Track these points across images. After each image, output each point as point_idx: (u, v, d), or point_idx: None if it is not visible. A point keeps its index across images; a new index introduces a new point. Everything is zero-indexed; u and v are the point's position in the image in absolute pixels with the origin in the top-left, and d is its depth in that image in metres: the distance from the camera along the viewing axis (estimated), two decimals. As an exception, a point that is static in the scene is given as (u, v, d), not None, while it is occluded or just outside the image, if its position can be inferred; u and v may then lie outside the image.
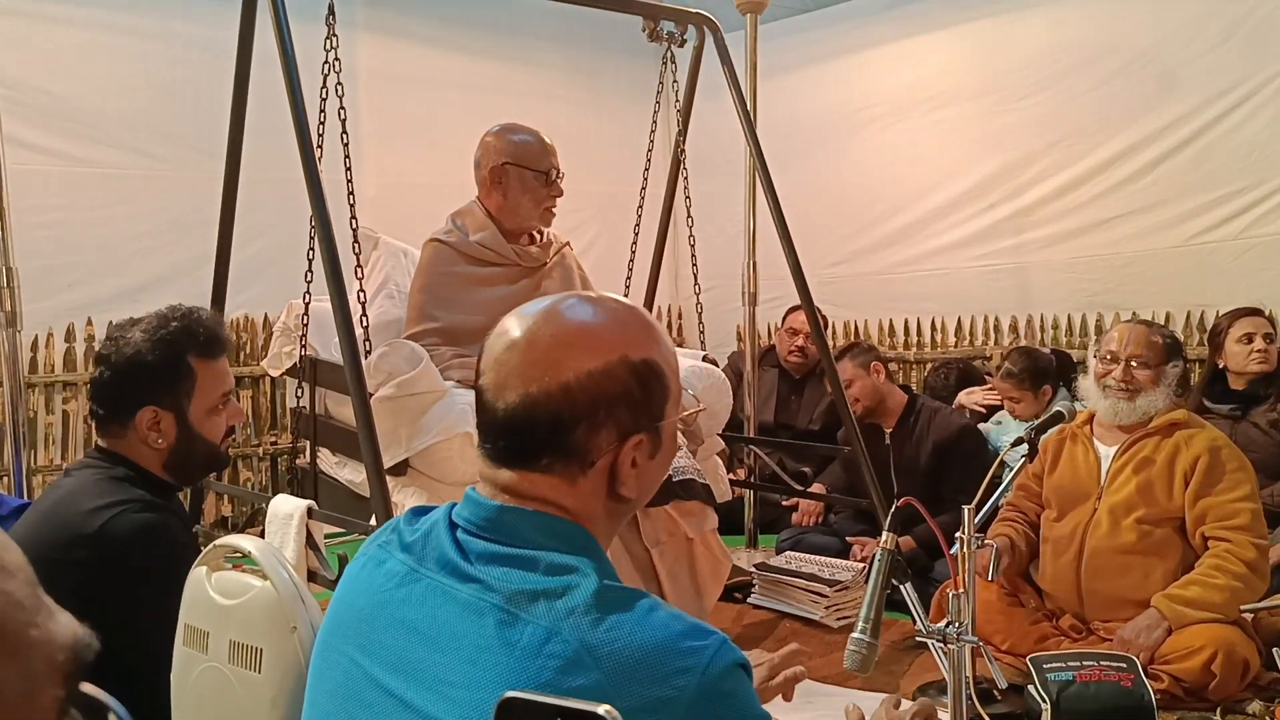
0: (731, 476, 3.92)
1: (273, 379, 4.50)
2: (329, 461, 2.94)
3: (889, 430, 3.62)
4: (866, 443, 3.63)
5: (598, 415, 0.98)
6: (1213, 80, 4.02)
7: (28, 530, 1.66)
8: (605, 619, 0.90)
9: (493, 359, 1.01)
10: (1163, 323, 4.10)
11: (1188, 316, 4.12)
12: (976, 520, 2.21)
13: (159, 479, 1.75)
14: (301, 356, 2.90)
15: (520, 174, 2.79)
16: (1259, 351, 3.45)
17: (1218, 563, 2.53)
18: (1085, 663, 2.27)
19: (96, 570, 1.52)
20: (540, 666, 0.88)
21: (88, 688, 0.49)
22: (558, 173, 2.83)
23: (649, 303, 4.04)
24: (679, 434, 2.83)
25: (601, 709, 0.63)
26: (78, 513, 1.59)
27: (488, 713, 0.88)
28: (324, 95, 2.71)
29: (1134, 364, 2.72)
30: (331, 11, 2.70)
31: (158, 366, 1.71)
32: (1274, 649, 2.43)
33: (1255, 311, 3.57)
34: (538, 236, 2.95)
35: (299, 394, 2.93)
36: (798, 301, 3.71)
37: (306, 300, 2.86)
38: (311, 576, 2.40)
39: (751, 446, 4.09)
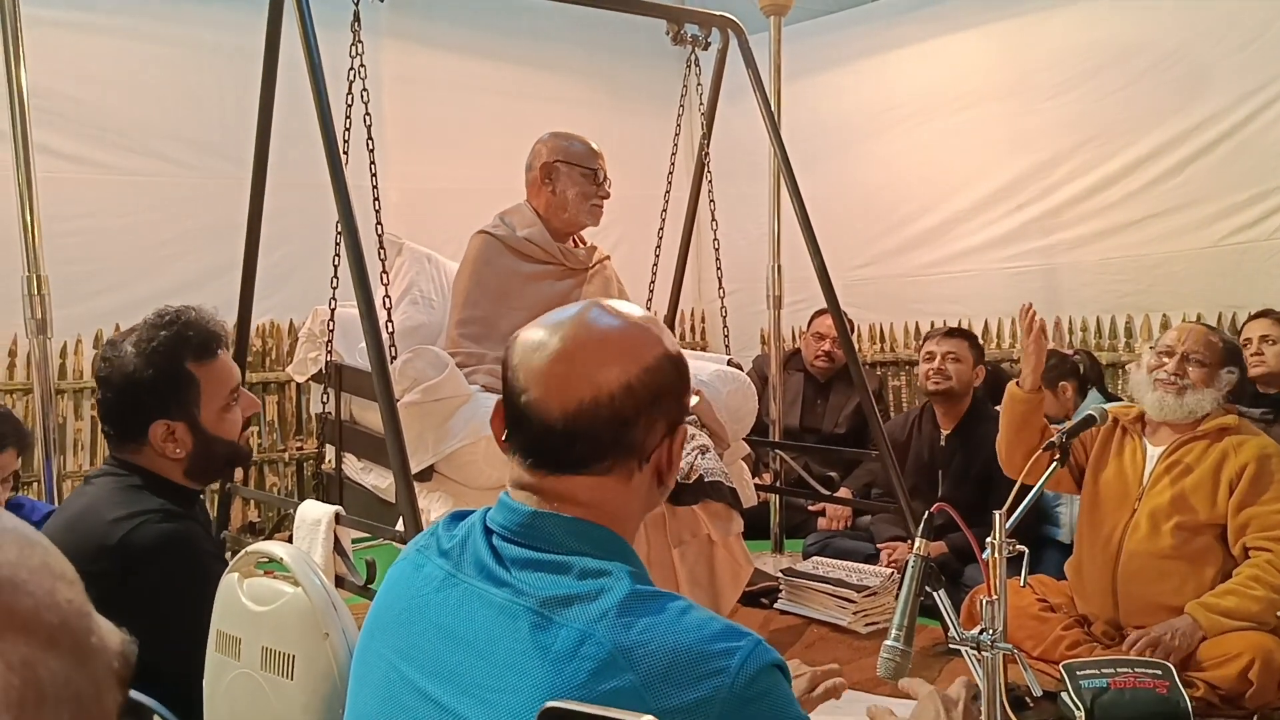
0: (757, 481, 3.90)
1: (298, 384, 4.52)
2: (354, 467, 2.95)
3: (946, 431, 3.58)
4: (921, 440, 3.62)
5: (654, 411, 1.02)
6: (1243, 79, 3.96)
7: (52, 540, 1.66)
8: (638, 621, 0.91)
9: (537, 372, 1.02)
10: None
11: (1219, 318, 4.07)
12: (1008, 525, 2.19)
13: (179, 486, 1.73)
14: (327, 362, 2.91)
15: (570, 170, 2.88)
16: (1255, 355, 3.44)
17: (1256, 573, 2.49)
18: (1120, 670, 2.24)
19: (120, 581, 1.50)
20: (575, 669, 0.89)
21: (132, 693, 0.50)
22: (606, 176, 2.93)
23: (673, 306, 4.03)
24: (706, 436, 2.84)
25: (646, 718, 0.63)
26: (100, 524, 1.57)
27: (520, 716, 0.88)
28: (349, 101, 2.72)
29: (1188, 360, 2.68)
30: (357, 18, 2.71)
31: (158, 381, 1.66)
32: (1313, 656, 2.39)
33: (1264, 314, 3.56)
34: (582, 242, 3.02)
35: (324, 399, 2.94)
36: (822, 304, 3.70)
37: (332, 306, 2.87)
38: (339, 582, 2.40)
39: (777, 451, 4.07)
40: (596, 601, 0.92)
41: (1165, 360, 2.71)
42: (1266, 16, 3.90)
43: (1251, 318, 3.61)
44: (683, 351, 1.10)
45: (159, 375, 1.67)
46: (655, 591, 0.96)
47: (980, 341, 3.85)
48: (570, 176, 2.88)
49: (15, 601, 0.44)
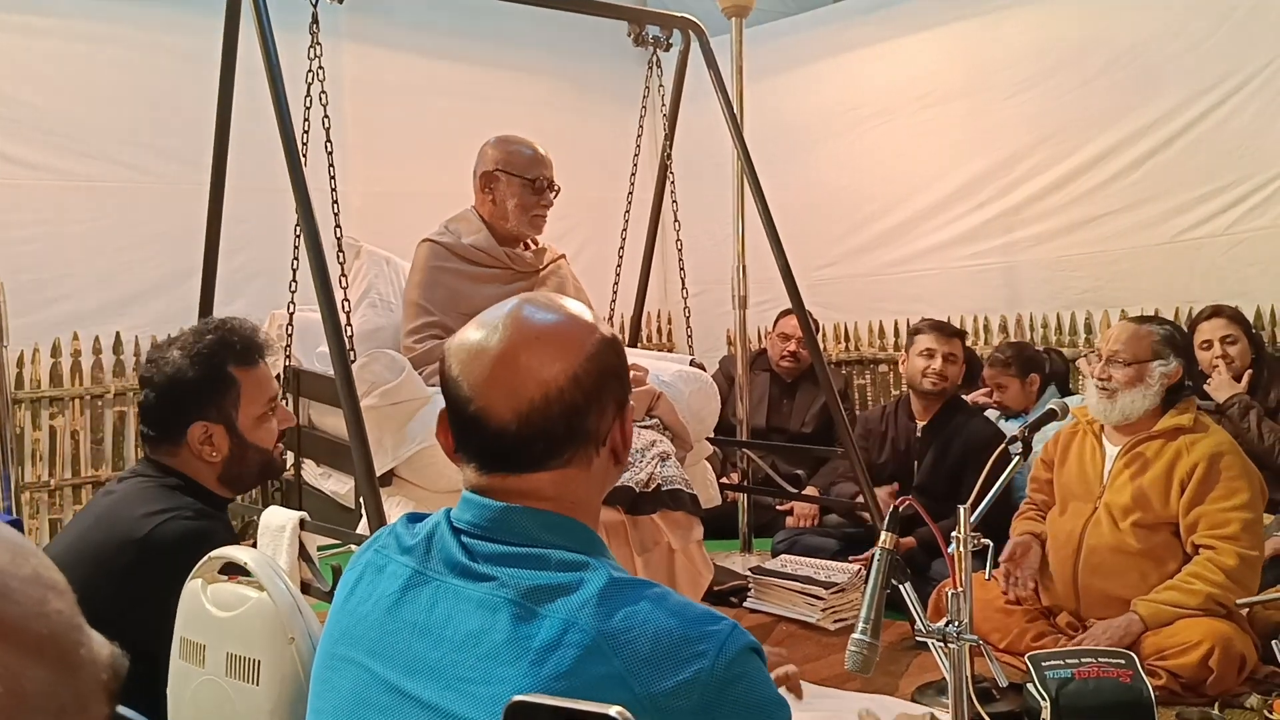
0: (725, 481, 3.92)
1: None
2: (313, 473, 2.92)
3: (922, 423, 3.60)
4: (897, 431, 3.65)
5: (603, 396, 1.04)
6: (1198, 76, 4.03)
7: (76, 535, 1.68)
8: (620, 608, 0.93)
9: (481, 379, 1.02)
10: (1151, 320, 4.11)
11: (1176, 313, 4.13)
12: (973, 519, 2.21)
13: (212, 492, 1.77)
14: (286, 367, 2.89)
15: (510, 180, 2.84)
16: (1219, 358, 3.49)
17: (1197, 570, 2.54)
18: (1084, 660, 2.27)
19: (141, 574, 1.54)
20: (559, 658, 0.90)
21: (120, 709, 0.51)
22: (549, 184, 2.88)
23: (638, 308, 4.03)
24: (669, 441, 2.84)
25: (613, 710, 0.63)
26: (129, 518, 1.61)
27: None
28: (308, 104, 2.70)
29: (1111, 362, 2.71)
30: (315, 21, 2.69)
31: (200, 381, 1.73)
32: (1272, 642, 2.44)
33: (1217, 312, 3.59)
34: (532, 245, 2.99)
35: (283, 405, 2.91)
36: (787, 304, 3.71)
37: (290, 310, 2.85)
38: (305, 588, 2.38)
39: (745, 450, 4.08)
40: (578, 591, 0.94)
41: (1097, 365, 2.76)
42: (1219, 15, 3.98)
43: (1204, 318, 3.63)
44: (618, 335, 1.12)
45: (202, 376, 1.73)
46: (633, 579, 0.98)
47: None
48: (510, 186, 2.84)
49: (2, 610, 0.44)
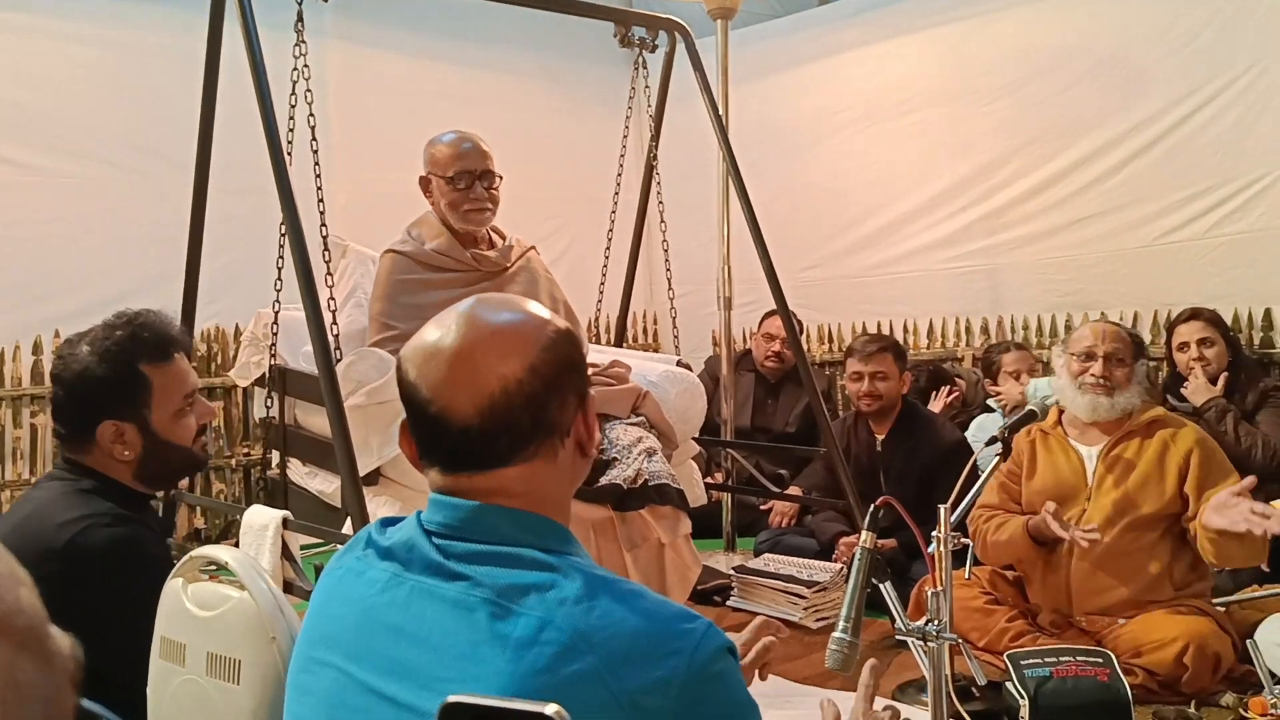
0: (709, 480, 3.93)
1: (245, 389, 4.46)
2: (299, 472, 2.92)
3: (881, 436, 3.62)
4: (859, 446, 3.66)
5: (562, 385, 1.04)
6: (1178, 82, 4.07)
7: None
8: (597, 606, 0.93)
9: (439, 379, 1.01)
10: (1130, 322, 4.15)
11: (1155, 315, 4.17)
12: (953, 520, 2.23)
13: (131, 490, 1.71)
14: (271, 366, 2.88)
15: (436, 182, 2.79)
16: (1196, 360, 3.52)
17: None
18: (1062, 659, 2.29)
19: (66, 585, 1.48)
20: (536, 655, 0.90)
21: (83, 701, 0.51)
22: (476, 176, 2.75)
23: (624, 308, 4.05)
24: (655, 438, 2.85)
25: (549, 709, 0.63)
26: (47, 526, 1.55)
27: None
28: (293, 103, 2.70)
29: (1112, 361, 2.75)
30: (300, 19, 2.69)
31: (109, 380, 1.66)
32: (1247, 641, 2.47)
33: (1195, 315, 3.63)
34: (498, 241, 2.93)
35: (268, 404, 2.91)
36: (772, 305, 3.73)
37: (276, 309, 2.85)
38: (288, 588, 2.38)
39: (729, 450, 4.10)
40: (553, 589, 0.94)
41: (1089, 364, 2.77)
42: (1200, 21, 4.01)
43: (1182, 320, 3.67)
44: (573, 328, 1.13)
45: (109, 374, 1.66)
46: (608, 577, 0.98)
47: (902, 345, 3.86)
48: (439, 188, 2.78)
49: None
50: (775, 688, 1.94)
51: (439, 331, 1.03)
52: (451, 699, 0.68)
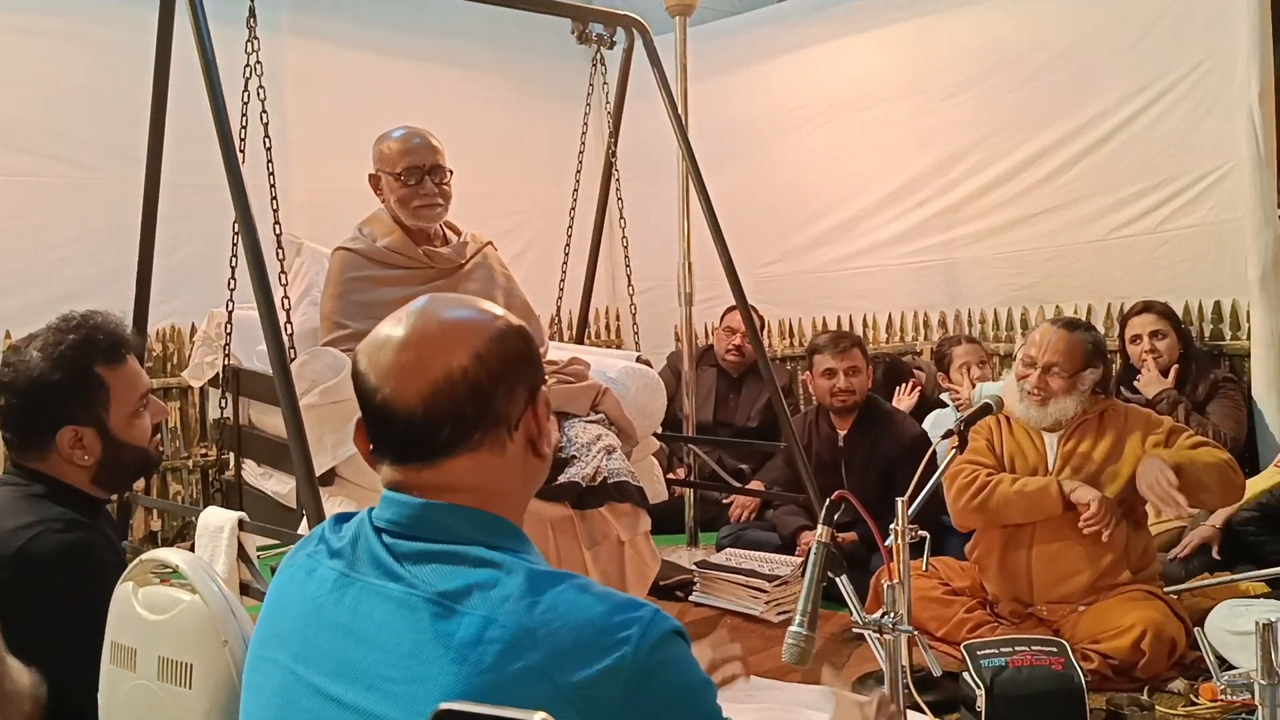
0: (671, 476, 3.94)
1: (201, 389, 4.41)
2: (253, 473, 2.89)
3: (843, 431, 3.64)
4: (820, 441, 3.68)
5: (510, 376, 1.04)
6: (1129, 79, 4.12)
7: None
8: (540, 601, 0.93)
9: (387, 366, 1.02)
10: (1084, 315, 4.20)
11: (1108, 308, 4.23)
12: (910, 512, 2.25)
13: (85, 494, 1.68)
14: (225, 366, 2.85)
15: (386, 179, 2.76)
16: (1148, 352, 3.59)
17: (1202, 443, 2.65)
18: (1017, 648, 2.31)
19: (18, 592, 1.46)
20: (481, 654, 0.90)
21: None
22: (426, 170, 2.73)
23: (585, 304, 4.04)
24: (615, 435, 2.85)
25: (536, 717, 0.63)
26: None
27: (432, 705, 0.89)
28: (245, 100, 2.67)
29: (1050, 372, 2.76)
30: (252, 14, 2.66)
31: (66, 384, 1.63)
32: (1196, 628, 2.52)
33: (1147, 308, 3.70)
34: (452, 237, 2.90)
35: (222, 404, 2.88)
36: (734, 301, 3.74)
37: (230, 308, 2.82)
38: (245, 589, 2.36)
39: (691, 445, 4.11)
40: (497, 587, 0.94)
41: (1029, 371, 2.79)
42: (1150, 19, 4.07)
43: (1134, 313, 3.74)
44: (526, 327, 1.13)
45: (67, 379, 1.63)
46: (552, 572, 0.98)
47: (863, 339, 3.91)
48: (389, 185, 2.75)
49: None
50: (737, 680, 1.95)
51: (391, 324, 1.05)
52: (443, 706, 0.68)
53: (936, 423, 3.88)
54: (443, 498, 1.02)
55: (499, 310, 1.09)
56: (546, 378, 1.19)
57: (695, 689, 0.97)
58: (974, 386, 3.92)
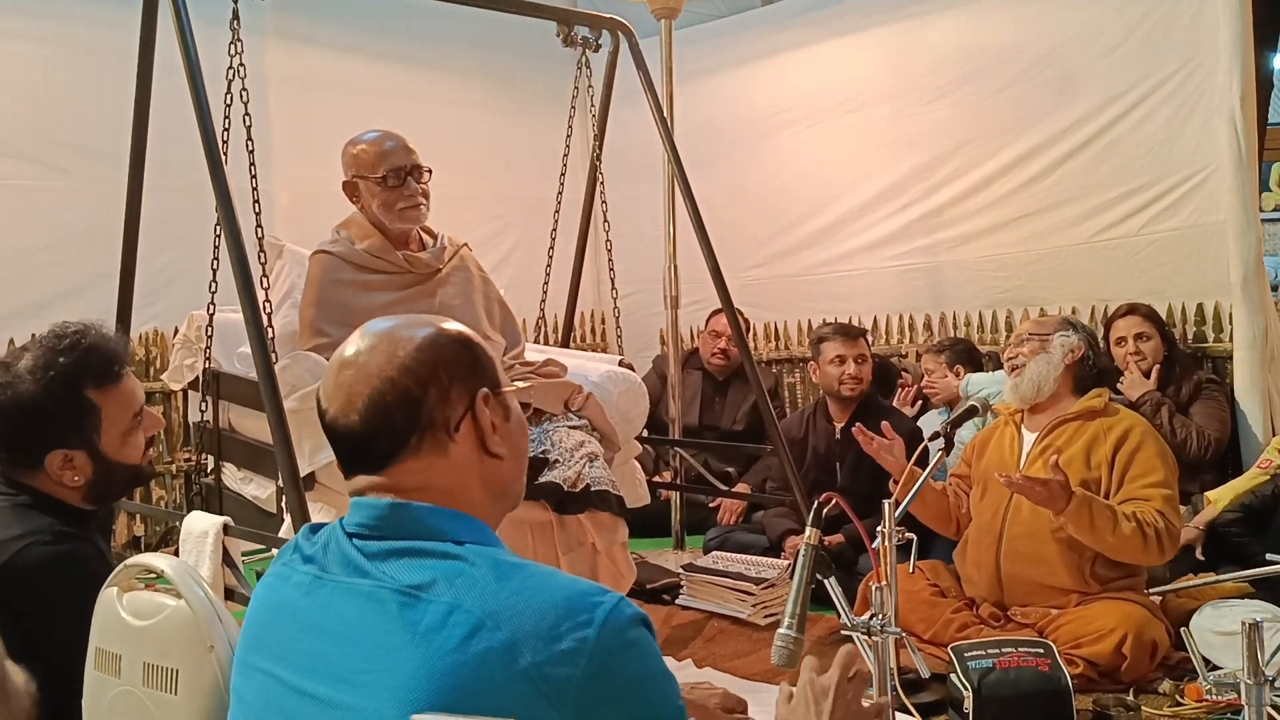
0: (657, 479, 3.93)
1: (185, 393, 4.38)
2: (234, 477, 2.87)
3: (840, 425, 3.65)
4: (817, 436, 3.68)
5: (440, 380, 1.07)
6: (1111, 82, 4.15)
7: None
8: (506, 587, 0.95)
9: (330, 388, 1.09)
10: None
11: (1092, 310, 4.26)
12: (897, 514, 2.25)
13: (73, 508, 1.66)
14: (205, 369, 2.83)
15: (365, 184, 2.74)
16: (1132, 354, 3.61)
17: (1134, 510, 2.59)
18: (1005, 650, 2.32)
19: (6, 605, 1.44)
20: (445, 638, 0.92)
21: None
22: (408, 171, 2.71)
23: (570, 308, 4.03)
24: (597, 442, 2.83)
25: None
26: None
27: (398, 692, 0.91)
28: (229, 101, 2.66)
29: (1022, 343, 2.87)
30: (236, 16, 2.65)
31: (55, 411, 1.59)
32: (1181, 629, 2.53)
33: (1131, 310, 3.73)
34: (430, 241, 2.88)
35: (203, 408, 2.86)
36: (720, 304, 3.74)
37: (211, 311, 2.80)
38: (230, 594, 2.34)
39: (677, 448, 4.11)
40: (461, 576, 0.97)
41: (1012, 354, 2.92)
42: (1132, 23, 4.09)
43: (1118, 315, 3.76)
44: (472, 332, 1.15)
45: (58, 405, 1.59)
46: (517, 560, 1.01)
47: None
48: (368, 189, 2.72)
49: None
50: (723, 684, 1.95)
51: (345, 345, 1.11)
52: (415, 718, 0.70)
53: (924, 425, 3.90)
54: (407, 498, 1.06)
55: (443, 322, 1.13)
56: (515, 380, 1.22)
57: (658, 678, 0.99)
58: (959, 379, 3.94)
